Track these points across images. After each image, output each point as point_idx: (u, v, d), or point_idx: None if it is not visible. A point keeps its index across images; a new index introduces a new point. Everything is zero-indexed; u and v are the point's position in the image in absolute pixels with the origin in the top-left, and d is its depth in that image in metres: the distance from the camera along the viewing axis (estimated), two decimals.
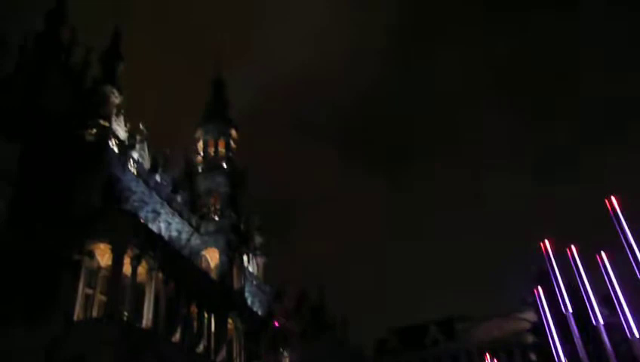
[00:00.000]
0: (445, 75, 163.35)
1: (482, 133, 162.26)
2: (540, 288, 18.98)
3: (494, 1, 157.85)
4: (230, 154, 39.07)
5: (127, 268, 23.66)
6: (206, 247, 34.09)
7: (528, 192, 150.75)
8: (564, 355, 19.21)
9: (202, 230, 34.40)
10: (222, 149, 38.83)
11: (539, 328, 29.68)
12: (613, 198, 12.77)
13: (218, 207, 35.66)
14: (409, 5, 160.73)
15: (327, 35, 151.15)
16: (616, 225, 12.50)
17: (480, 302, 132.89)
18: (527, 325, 35.89)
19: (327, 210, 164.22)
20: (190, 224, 33.49)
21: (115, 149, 27.32)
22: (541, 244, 16.16)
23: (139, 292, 24.33)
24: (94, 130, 26.02)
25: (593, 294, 15.31)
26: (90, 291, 23.68)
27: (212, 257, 34.30)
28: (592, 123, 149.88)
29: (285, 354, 39.55)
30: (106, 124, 26.77)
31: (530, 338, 35.21)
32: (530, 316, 34.34)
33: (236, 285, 34.13)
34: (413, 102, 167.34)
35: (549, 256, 16.02)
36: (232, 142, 39.81)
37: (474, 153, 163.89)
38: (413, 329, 63.25)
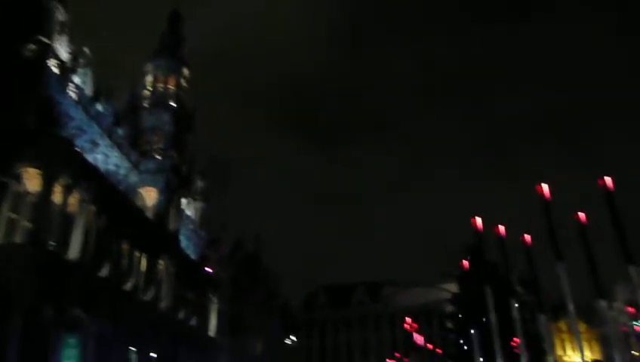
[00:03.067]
0: (395, 66, 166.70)
1: (420, 124, 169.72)
2: (465, 262, 20.04)
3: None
4: (180, 93, 37.69)
5: (57, 197, 22.70)
6: (144, 185, 33.14)
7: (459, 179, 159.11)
8: (476, 325, 20.57)
9: (142, 167, 33.33)
10: (171, 87, 37.30)
11: (457, 299, 31.48)
12: (544, 185, 13.43)
13: (161, 145, 34.59)
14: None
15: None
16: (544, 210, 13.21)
17: (408, 269, 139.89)
18: (448, 295, 37.82)
19: (265, 170, 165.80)
20: (129, 160, 32.33)
21: (55, 70, 25.60)
22: (472, 221, 16.80)
23: (68, 223, 23.48)
24: (33, 47, 24.16)
25: (512, 273, 16.42)
26: (14, 216, 22.60)
27: (149, 196, 33.46)
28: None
29: (215, 300, 39.84)
30: (47, 41, 24.90)
31: (449, 308, 37.15)
32: (452, 287, 36.14)
33: (171, 227, 33.67)
34: (359, 85, 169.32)
35: (478, 232, 16.73)
36: (182, 81, 38.31)
37: (415, 141, 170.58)
38: (342, 288, 65.52)
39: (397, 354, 47.31)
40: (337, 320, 63.58)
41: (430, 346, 38.49)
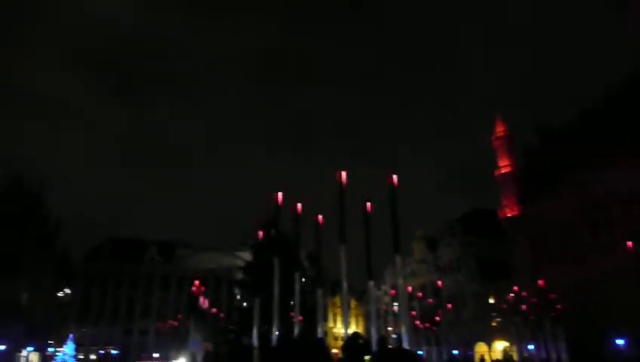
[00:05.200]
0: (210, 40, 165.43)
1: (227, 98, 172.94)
2: (260, 232, 20.54)
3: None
4: None
5: None
6: None
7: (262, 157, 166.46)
8: (261, 294, 21.28)
9: None
10: None
11: (249, 267, 32.30)
12: (343, 173, 14.34)
13: None
14: None
15: None
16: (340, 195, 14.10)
17: (207, 233, 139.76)
18: (242, 263, 38.51)
19: (69, 112, 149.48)
20: None
21: None
22: (274, 196, 17.15)
23: None
24: None
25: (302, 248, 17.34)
26: None
27: None
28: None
29: None
30: None
31: (239, 275, 37.86)
32: (247, 256, 36.89)
33: None
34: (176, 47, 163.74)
35: (277, 206, 17.15)
36: None
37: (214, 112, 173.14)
38: (133, 243, 62.17)
39: (179, 316, 46.88)
40: (123, 275, 60.20)
41: (214, 310, 38.89)
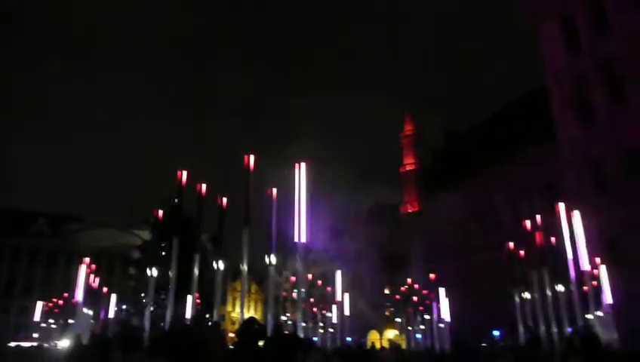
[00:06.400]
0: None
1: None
2: (160, 211, 19.74)
3: None
4: None
5: None
6: None
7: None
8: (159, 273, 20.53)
9: None
10: None
11: (146, 246, 31.07)
12: (250, 156, 14.16)
13: None
14: None
15: None
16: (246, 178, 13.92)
17: (95, 206, 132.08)
18: (139, 241, 36.87)
19: None
20: None
21: None
22: (178, 175, 16.52)
23: None
24: None
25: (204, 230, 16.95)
26: None
27: None
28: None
29: None
30: None
31: (136, 254, 36.27)
32: (145, 235, 35.38)
33: None
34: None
35: (180, 186, 16.56)
36: None
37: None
38: (18, 214, 57.13)
39: (65, 294, 43.88)
40: (2, 248, 55.12)
41: (106, 290, 36.87)
